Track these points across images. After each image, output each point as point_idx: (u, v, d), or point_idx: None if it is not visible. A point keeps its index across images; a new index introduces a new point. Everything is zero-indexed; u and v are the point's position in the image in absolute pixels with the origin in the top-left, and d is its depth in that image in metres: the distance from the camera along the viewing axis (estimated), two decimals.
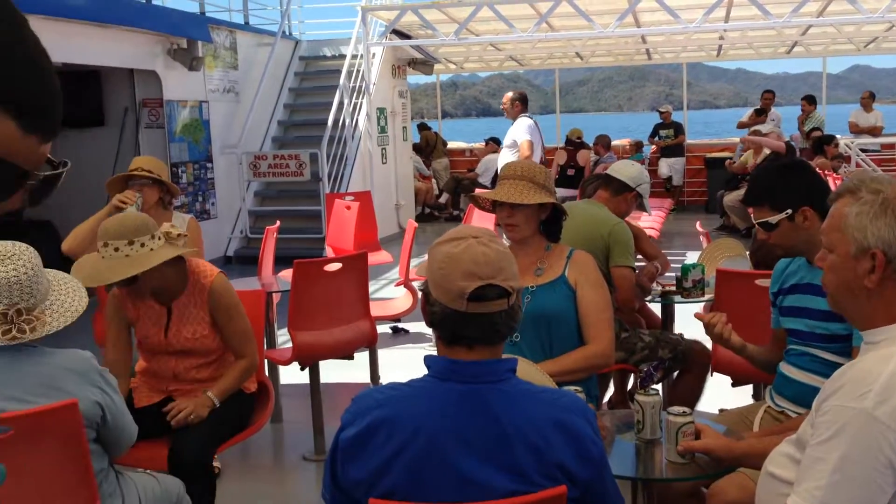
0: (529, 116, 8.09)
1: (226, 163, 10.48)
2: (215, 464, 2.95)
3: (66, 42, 7.68)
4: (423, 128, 15.54)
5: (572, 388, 2.27)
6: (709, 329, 2.70)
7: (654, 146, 14.38)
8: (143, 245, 2.85)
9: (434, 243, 1.72)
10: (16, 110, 0.71)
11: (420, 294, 1.74)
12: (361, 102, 11.16)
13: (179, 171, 9.66)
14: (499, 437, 1.59)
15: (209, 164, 10.25)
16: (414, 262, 6.45)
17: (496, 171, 13.14)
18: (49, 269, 2.35)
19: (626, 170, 4.15)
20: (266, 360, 4.14)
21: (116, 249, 2.82)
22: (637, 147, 14.64)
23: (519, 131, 7.94)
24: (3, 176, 0.72)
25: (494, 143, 13.76)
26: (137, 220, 2.91)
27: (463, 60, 15.48)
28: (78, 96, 9.33)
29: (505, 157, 8.17)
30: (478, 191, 7.21)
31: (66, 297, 2.30)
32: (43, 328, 2.20)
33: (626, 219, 4.08)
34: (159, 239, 2.91)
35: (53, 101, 0.75)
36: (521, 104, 8.14)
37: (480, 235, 1.67)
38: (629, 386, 4.28)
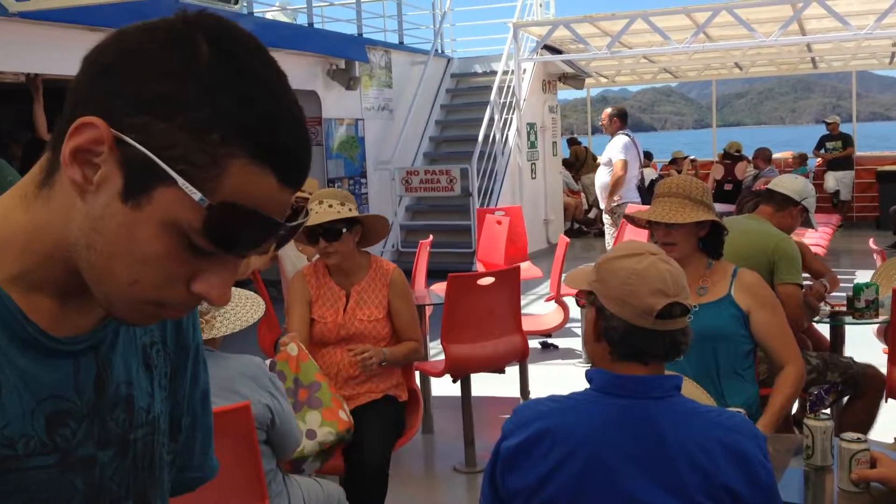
0: (627, 134, 8.24)
1: (379, 178, 10.79)
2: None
3: None
4: (572, 142, 15.45)
5: (734, 408, 2.19)
6: None
7: (819, 159, 13.64)
8: (350, 210, 3.27)
9: (606, 258, 1.72)
10: (276, 166, 0.75)
11: (591, 309, 1.73)
12: (512, 118, 11.22)
13: (336, 186, 10.03)
14: (663, 455, 1.56)
15: (363, 180, 10.59)
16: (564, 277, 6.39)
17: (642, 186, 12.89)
18: (235, 289, 2.50)
19: (790, 183, 3.96)
20: (417, 372, 4.22)
21: (330, 206, 3.24)
22: (801, 160, 13.91)
23: (614, 150, 8.17)
24: (264, 229, 0.76)
25: (646, 159, 13.50)
26: (345, 192, 3.40)
27: (615, 74, 15.28)
28: None
29: (601, 175, 8.44)
30: (632, 208, 7.13)
31: (240, 309, 2.44)
32: (210, 332, 2.34)
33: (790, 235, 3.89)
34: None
35: (307, 155, 0.79)
36: (620, 120, 8.31)
37: (658, 252, 1.68)
38: (793, 409, 4.06)
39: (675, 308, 1.65)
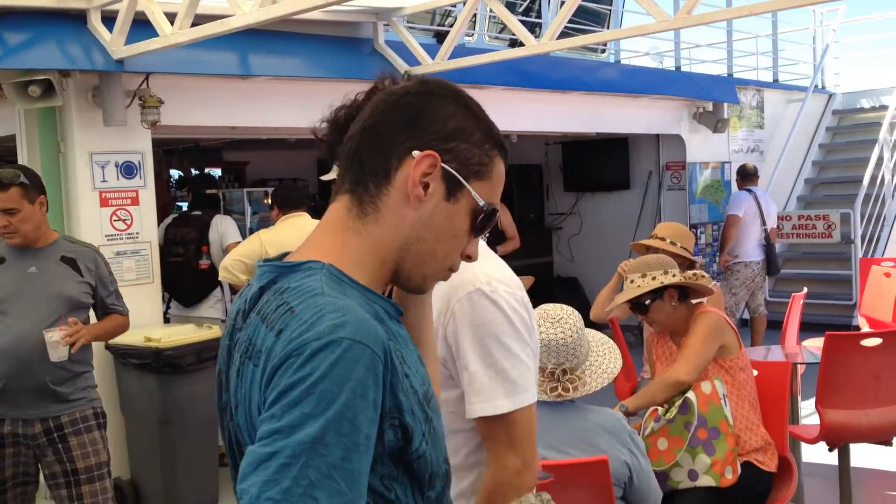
0: (749, 189, 8.06)
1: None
2: None
3: (600, 113, 8.30)
4: None
5: None
6: None
7: None
8: (653, 279, 3.25)
9: None
10: (504, 155, 1.22)
11: None
12: None
13: (698, 231, 9.69)
14: None
15: None
16: None
17: None
18: (590, 330, 2.51)
19: None
20: (788, 436, 3.89)
21: (633, 280, 3.30)
22: None
23: (729, 204, 8.25)
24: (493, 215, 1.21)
25: None
26: (660, 259, 3.38)
27: None
28: (608, 162, 10.01)
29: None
30: None
31: (603, 359, 2.43)
32: (583, 388, 2.36)
33: None
34: (673, 275, 3.25)
35: None
36: (740, 178, 8.25)
37: None
38: None
39: None
